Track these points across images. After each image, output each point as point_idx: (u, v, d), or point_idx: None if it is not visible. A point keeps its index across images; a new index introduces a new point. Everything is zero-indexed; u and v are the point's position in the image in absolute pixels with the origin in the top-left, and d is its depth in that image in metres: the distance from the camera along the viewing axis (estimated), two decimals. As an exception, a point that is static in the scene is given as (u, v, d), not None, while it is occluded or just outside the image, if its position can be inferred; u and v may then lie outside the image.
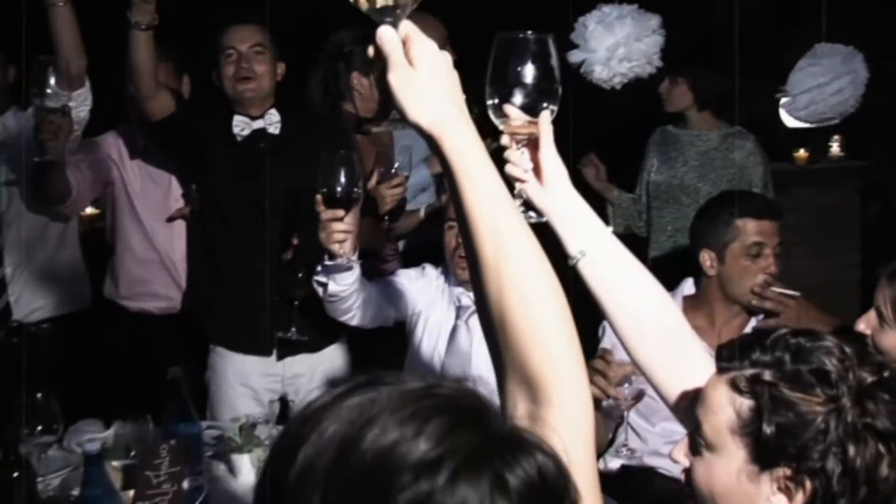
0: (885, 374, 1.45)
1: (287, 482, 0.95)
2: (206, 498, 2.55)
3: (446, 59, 1.32)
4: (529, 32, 1.54)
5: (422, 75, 1.28)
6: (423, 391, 0.98)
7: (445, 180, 1.31)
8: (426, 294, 3.17)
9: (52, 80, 3.15)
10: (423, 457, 0.92)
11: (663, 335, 1.72)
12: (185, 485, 2.44)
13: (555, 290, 1.26)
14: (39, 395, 2.70)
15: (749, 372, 1.47)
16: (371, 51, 1.32)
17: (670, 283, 2.55)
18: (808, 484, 1.43)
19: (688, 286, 3.10)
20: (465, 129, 1.28)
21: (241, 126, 3.38)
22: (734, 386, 1.48)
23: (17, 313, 3.59)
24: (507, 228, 1.26)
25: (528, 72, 1.54)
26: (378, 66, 1.31)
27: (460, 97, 1.31)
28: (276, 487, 0.96)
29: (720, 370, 1.52)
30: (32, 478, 2.33)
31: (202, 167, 3.44)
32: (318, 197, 2.74)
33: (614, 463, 2.87)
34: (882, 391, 1.43)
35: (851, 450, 1.40)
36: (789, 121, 3.49)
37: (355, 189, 2.73)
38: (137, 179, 3.81)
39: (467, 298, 3.07)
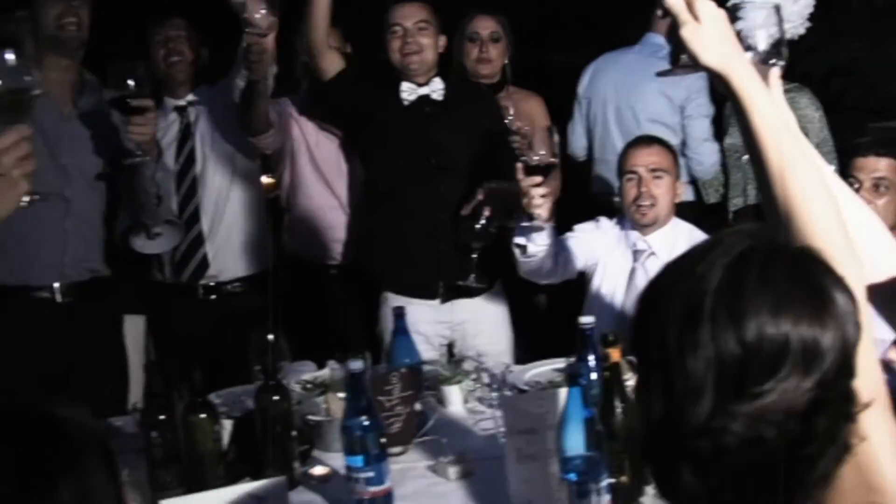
0: None
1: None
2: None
3: (722, 14, 1.65)
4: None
5: (707, 27, 1.62)
6: None
7: (734, 111, 1.62)
8: (603, 242, 3.49)
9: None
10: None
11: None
12: (418, 407, 2.74)
13: (825, 187, 1.57)
14: (270, 336, 3.03)
15: None
16: (659, 12, 1.66)
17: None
18: None
19: None
20: (747, 68, 1.62)
21: (408, 91, 3.68)
22: None
23: (213, 267, 3.91)
24: (786, 143, 1.58)
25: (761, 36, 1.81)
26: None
27: (738, 45, 1.65)
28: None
29: None
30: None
31: (365, 130, 3.75)
32: (519, 165, 3.03)
33: None
34: None
35: None
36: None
37: (552, 158, 3.02)
38: (313, 135, 4.14)
39: (643, 243, 3.41)
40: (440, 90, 3.70)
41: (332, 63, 3.69)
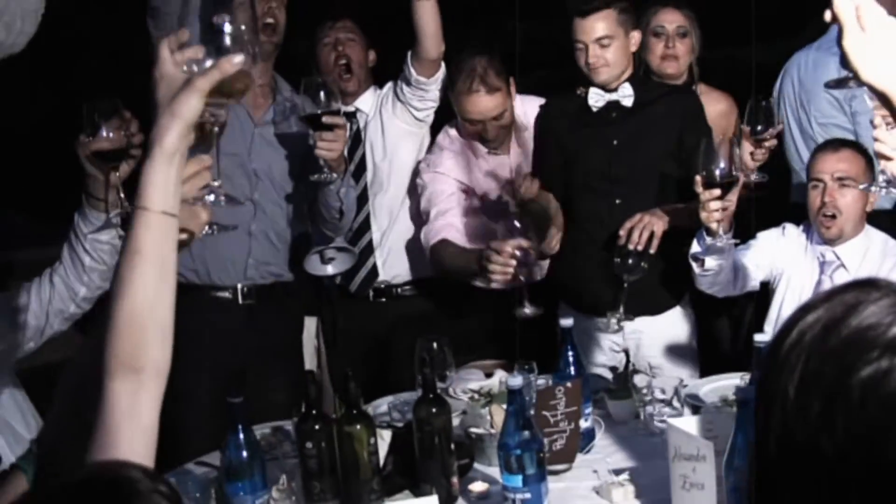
0: None
1: (782, 349, 1.12)
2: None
3: (893, 24, 1.46)
4: None
5: (873, 39, 1.44)
6: None
7: None
8: (788, 252, 3.26)
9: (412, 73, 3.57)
10: (894, 339, 1.05)
11: None
12: (583, 423, 2.63)
13: None
14: (435, 344, 2.98)
15: None
16: (828, 16, 1.48)
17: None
18: None
19: None
20: None
21: (596, 98, 3.54)
22: None
23: (383, 275, 3.89)
24: None
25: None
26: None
27: None
28: (773, 353, 1.14)
29: None
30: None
31: None
32: (698, 178, 2.85)
33: None
34: None
35: None
36: None
37: (733, 172, 2.83)
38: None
39: (831, 254, 3.17)
40: (629, 96, 3.52)
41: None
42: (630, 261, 3.22)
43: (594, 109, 3.53)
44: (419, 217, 3.87)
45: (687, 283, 3.37)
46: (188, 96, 1.47)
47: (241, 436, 2.32)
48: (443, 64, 3.68)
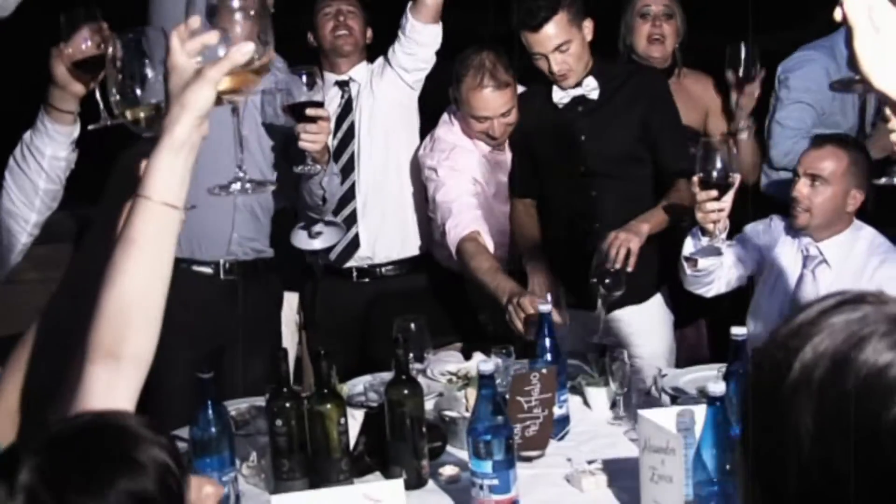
0: None
1: (783, 388, 1.03)
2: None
3: None
4: None
5: (887, 40, 1.30)
6: None
7: None
8: (773, 244, 3.23)
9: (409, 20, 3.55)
10: None
11: None
12: (557, 410, 2.61)
13: None
14: (413, 324, 2.97)
15: None
16: (838, 15, 1.33)
17: None
18: None
19: None
20: None
21: (561, 95, 3.50)
22: None
23: (365, 248, 3.84)
24: None
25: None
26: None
27: None
28: (769, 393, 1.05)
29: None
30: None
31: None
32: (695, 179, 2.81)
33: None
34: None
35: None
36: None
37: (731, 173, 2.79)
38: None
39: (815, 249, 3.13)
40: (594, 89, 3.47)
41: None
42: (607, 280, 3.14)
43: (559, 106, 3.50)
44: (406, 193, 3.86)
45: (666, 272, 3.36)
46: (199, 87, 1.44)
47: (210, 412, 2.31)
48: (440, 25, 3.63)
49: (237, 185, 1.71)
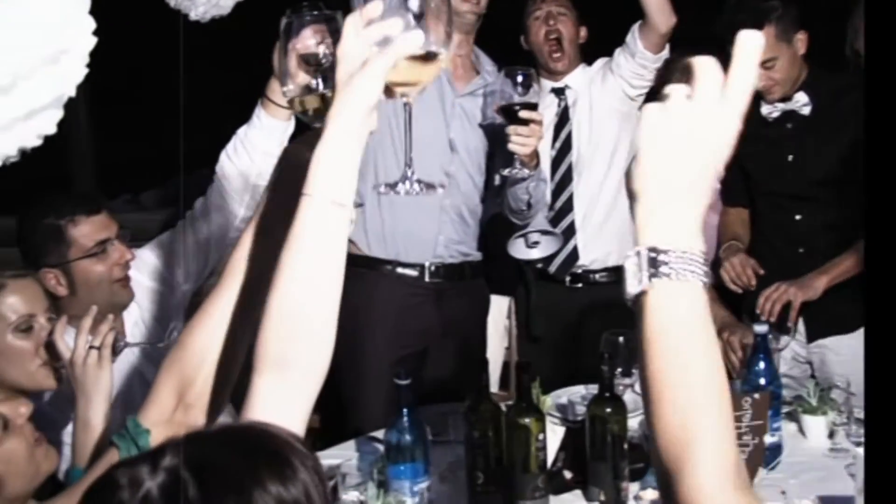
0: None
1: None
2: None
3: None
4: None
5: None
6: None
7: None
8: None
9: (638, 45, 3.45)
10: None
11: None
12: (767, 439, 2.45)
13: None
14: (622, 339, 2.86)
15: None
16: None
17: None
18: None
19: None
20: None
21: (770, 109, 3.35)
22: None
23: (583, 258, 3.77)
24: None
25: None
26: None
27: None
28: None
29: None
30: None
31: None
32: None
33: None
34: None
35: None
36: None
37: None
38: None
39: None
40: (804, 104, 3.32)
41: None
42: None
43: (769, 120, 3.33)
44: (624, 203, 3.71)
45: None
46: (364, 78, 1.34)
47: (406, 419, 2.29)
48: (668, 49, 3.55)
49: (405, 186, 1.57)
